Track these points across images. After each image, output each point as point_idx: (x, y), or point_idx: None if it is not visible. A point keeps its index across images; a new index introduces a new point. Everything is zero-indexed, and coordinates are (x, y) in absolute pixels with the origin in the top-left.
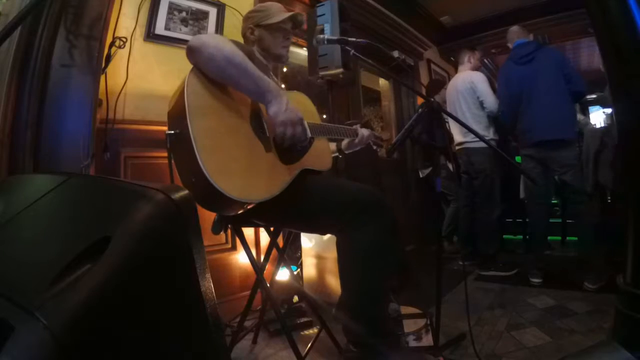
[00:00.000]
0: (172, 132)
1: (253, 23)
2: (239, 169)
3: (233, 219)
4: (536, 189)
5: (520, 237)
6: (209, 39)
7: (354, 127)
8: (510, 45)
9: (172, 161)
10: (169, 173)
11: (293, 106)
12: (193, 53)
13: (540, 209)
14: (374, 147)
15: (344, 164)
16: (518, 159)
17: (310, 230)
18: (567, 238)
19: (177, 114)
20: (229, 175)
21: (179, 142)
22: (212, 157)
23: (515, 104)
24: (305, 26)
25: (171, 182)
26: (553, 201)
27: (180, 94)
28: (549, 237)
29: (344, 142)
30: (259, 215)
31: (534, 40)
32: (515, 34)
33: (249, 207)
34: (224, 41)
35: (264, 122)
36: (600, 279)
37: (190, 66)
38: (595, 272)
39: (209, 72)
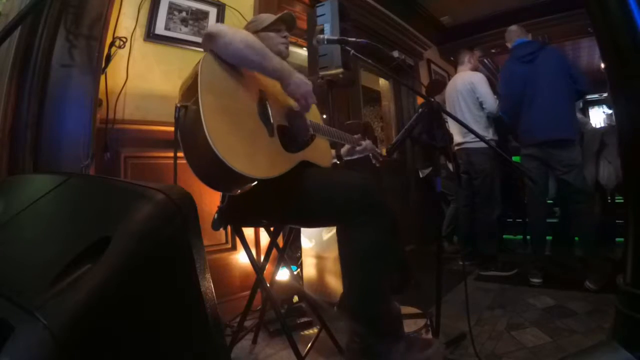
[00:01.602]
0: (182, 104)
1: (251, 32)
2: (244, 146)
3: (233, 217)
4: (536, 189)
5: (520, 237)
6: (226, 26)
7: (356, 136)
8: (509, 45)
9: (176, 158)
10: (169, 172)
11: None
12: (212, 39)
13: (540, 209)
14: (373, 161)
15: (343, 163)
16: (516, 158)
17: (310, 227)
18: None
19: (190, 89)
20: (234, 149)
21: (187, 115)
22: (219, 130)
23: (516, 103)
24: (304, 25)
25: (174, 176)
26: (549, 201)
27: (195, 72)
28: (547, 237)
29: (344, 149)
30: (260, 211)
31: (535, 40)
32: (515, 34)
33: (248, 187)
34: (239, 29)
35: (269, 110)
36: (601, 278)
37: (191, 65)
38: (597, 272)
39: (227, 54)
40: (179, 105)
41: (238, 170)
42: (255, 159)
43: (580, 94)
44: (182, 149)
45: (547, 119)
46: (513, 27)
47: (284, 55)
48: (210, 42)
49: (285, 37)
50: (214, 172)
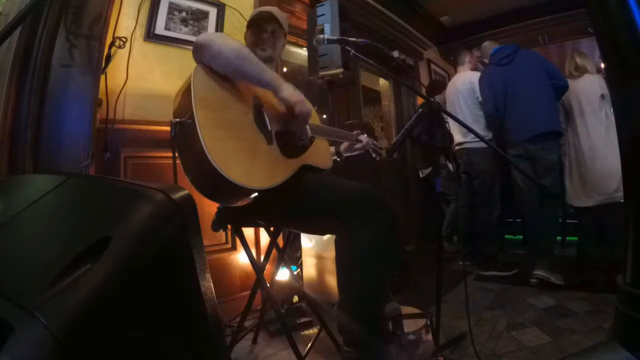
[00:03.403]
0: (178, 120)
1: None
2: (242, 157)
3: (233, 218)
4: (535, 189)
5: (520, 237)
6: (216, 36)
7: (355, 132)
8: (486, 61)
9: (175, 159)
10: (169, 172)
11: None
12: (201, 49)
13: (536, 208)
14: (373, 155)
15: (343, 163)
16: None
17: (309, 230)
18: (567, 238)
19: (184, 104)
20: (233, 162)
21: (184, 131)
22: (217, 144)
23: (501, 104)
24: (304, 25)
25: (174, 177)
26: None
27: (187, 86)
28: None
29: (343, 146)
30: (259, 213)
31: (510, 44)
32: (489, 47)
33: (250, 199)
34: (229, 38)
35: (265, 117)
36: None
37: (191, 66)
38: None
39: (217, 65)
40: (174, 121)
41: (238, 183)
42: (255, 170)
43: (561, 89)
44: (181, 164)
45: (534, 114)
46: (485, 43)
47: (261, 57)
48: (198, 53)
49: (262, 39)
50: (215, 186)
